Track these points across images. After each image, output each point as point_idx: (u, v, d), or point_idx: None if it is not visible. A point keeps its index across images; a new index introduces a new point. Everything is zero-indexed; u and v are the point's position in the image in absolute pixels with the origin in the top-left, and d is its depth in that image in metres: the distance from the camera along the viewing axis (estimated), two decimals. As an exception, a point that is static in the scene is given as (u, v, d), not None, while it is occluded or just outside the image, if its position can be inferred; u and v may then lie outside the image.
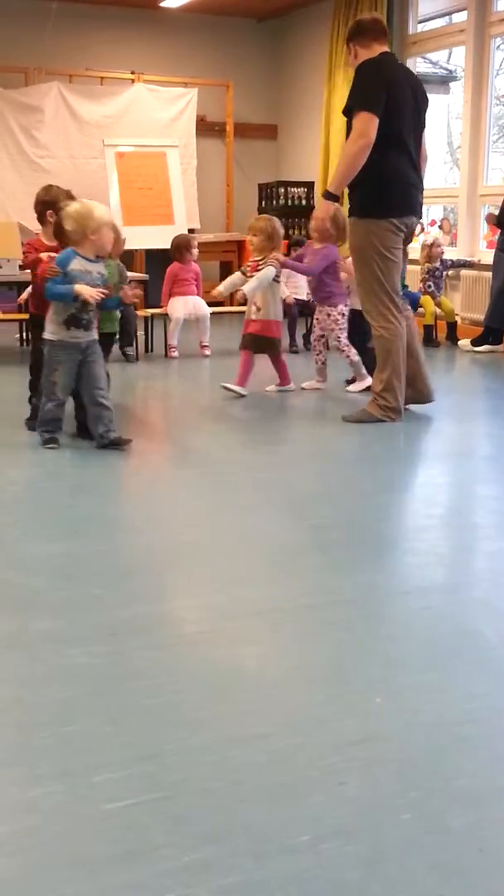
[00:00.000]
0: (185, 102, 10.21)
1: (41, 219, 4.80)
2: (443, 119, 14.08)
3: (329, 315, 5.95)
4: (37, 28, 9.54)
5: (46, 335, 4.47)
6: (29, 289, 5.55)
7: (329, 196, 5.05)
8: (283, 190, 10.52)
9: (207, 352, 7.45)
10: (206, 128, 10.63)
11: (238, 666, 2.36)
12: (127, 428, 4.91)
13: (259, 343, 5.76)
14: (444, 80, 13.78)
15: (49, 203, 4.74)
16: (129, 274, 7.62)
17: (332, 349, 6.11)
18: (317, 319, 6.11)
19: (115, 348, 7.39)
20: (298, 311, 7.60)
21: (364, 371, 5.90)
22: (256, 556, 3.18)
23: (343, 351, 5.96)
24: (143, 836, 1.66)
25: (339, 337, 5.93)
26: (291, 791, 1.81)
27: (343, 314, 5.95)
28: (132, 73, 10.18)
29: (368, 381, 5.66)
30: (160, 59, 10.48)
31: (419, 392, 5.26)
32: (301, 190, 10.56)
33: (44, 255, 4.62)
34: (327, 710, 2.12)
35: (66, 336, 4.42)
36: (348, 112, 4.93)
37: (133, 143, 9.63)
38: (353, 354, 5.94)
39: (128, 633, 2.51)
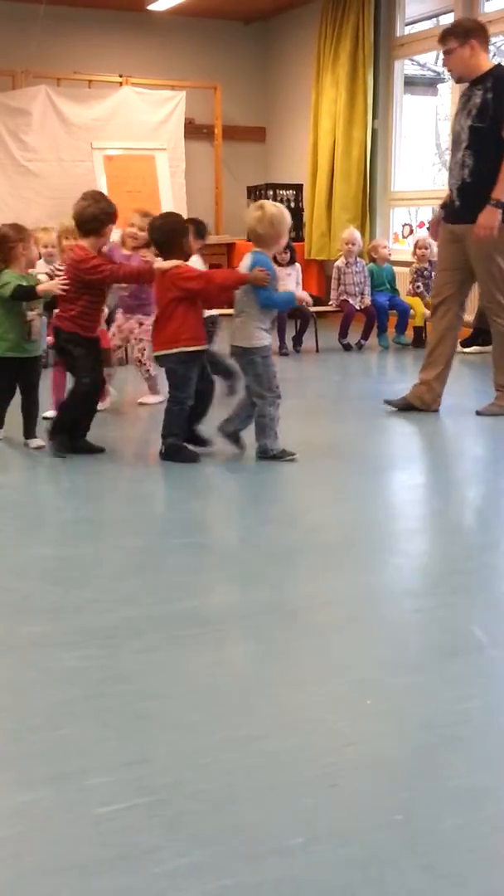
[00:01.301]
0: (173, 105, 10.20)
1: (100, 230, 4.36)
2: (431, 121, 14.13)
3: (141, 324, 5.42)
4: (24, 31, 9.52)
5: (261, 342, 4.23)
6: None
7: (499, 205, 4.89)
8: (271, 192, 10.50)
9: None
10: (195, 130, 10.62)
11: (228, 669, 2.35)
12: (117, 430, 4.90)
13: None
14: (432, 82, 13.83)
15: (112, 216, 4.41)
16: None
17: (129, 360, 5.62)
18: (119, 328, 5.55)
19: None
20: (287, 314, 7.60)
21: (158, 386, 5.44)
22: (249, 558, 3.17)
23: (144, 364, 5.47)
24: (136, 840, 1.66)
25: (144, 348, 5.37)
26: (284, 793, 1.80)
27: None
28: (120, 76, 10.17)
29: (161, 396, 5.15)
30: (148, 61, 10.47)
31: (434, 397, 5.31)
32: (290, 192, 10.56)
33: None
34: (319, 712, 2.12)
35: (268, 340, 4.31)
36: (497, 121, 4.84)
37: (121, 146, 9.61)
38: (153, 369, 5.37)
39: (119, 636, 2.50)
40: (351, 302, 8.12)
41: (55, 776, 1.85)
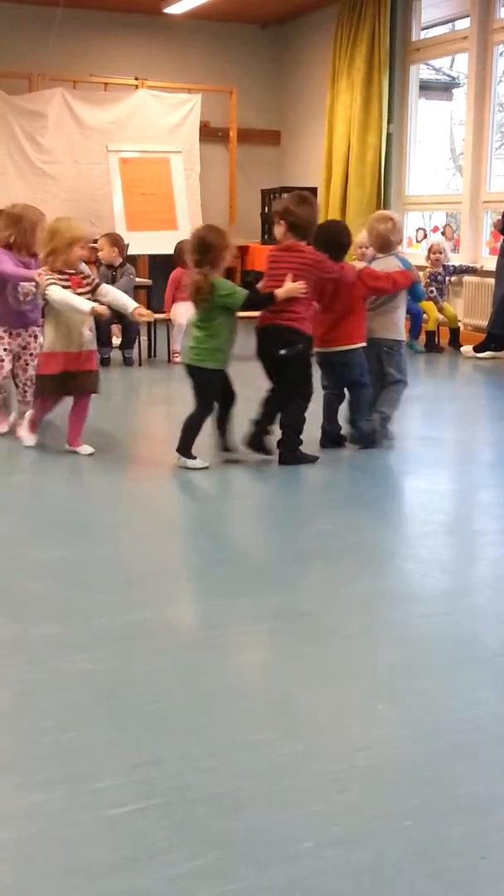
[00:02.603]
0: (188, 108, 10.23)
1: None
2: (446, 126, 14.11)
3: (36, 338, 4.82)
4: (41, 34, 9.56)
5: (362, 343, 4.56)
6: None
7: None
8: (286, 195, 10.52)
9: None
10: (210, 133, 10.64)
11: (240, 672, 2.36)
12: (131, 434, 4.91)
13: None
14: (447, 87, 13.82)
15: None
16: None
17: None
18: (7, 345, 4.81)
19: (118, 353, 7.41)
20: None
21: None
22: (258, 562, 3.18)
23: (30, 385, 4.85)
24: (145, 843, 1.66)
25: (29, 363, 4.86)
26: (293, 798, 1.81)
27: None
28: (136, 79, 10.19)
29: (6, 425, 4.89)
30: (164, 65, 10.49)
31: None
32: (304, 196, 10.56)
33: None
34: (329, 717, 2.12)
35: None
36: None
37: (136, 149, 9.64)
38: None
39: (130, 638, 2.51)
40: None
41: (65, 778, 1.86)
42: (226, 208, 10.91)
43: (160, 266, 8.73)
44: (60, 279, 4.28)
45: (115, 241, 7.51)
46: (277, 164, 11.50)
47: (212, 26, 10.64)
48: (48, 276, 4.27)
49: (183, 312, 7.44)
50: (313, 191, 10.48)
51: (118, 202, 9.29)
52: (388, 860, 1.63)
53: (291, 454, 4.34)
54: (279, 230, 4.39)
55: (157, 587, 2.93)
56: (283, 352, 4.28)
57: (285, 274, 4.26)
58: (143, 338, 7.57)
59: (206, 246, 4.14)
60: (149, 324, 7.73)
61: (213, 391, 4.26)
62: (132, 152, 9.57)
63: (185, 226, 9.49)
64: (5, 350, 4.79)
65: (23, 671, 2.33)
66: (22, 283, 4.64)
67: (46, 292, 4.24)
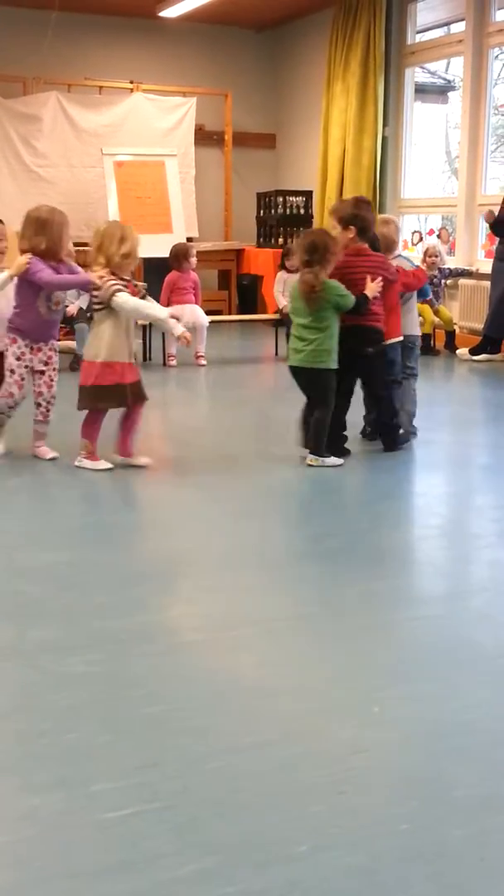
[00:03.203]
0: (183, 111, 10.23)
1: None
2: (441, 129, 14.13)
3: (56, 352, 4.57)
4: (35, 38, 9.56)
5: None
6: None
7: None
8: (281, 199, 10.52)
9: (203, 361, 7.46)
10: (205, 137, 10.65)
11: (237, 675, 2.36)
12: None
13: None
14: (443, 90, 13.84)
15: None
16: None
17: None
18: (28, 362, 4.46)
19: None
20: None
21: None
22: (256, 564, 3.18)
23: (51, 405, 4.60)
24: (143, 846, 1.66)
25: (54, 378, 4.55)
26: (291, 800, 1.81)
27: None
28: (131, 82, 10.20)
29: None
30: (159, 68, 10.50)
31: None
32: (299, 199, 10.56)
33: None
34: (326, 720, 2.12)
35: None
36: None
37: (131, 152, 9.64)
38: None
39: (128, 641, 2.51)
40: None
41: (63, 781, 1.86)
42: (221, 212, 10.92)
43: (155, 269, 8.73)
44: (122, 284, 4.17)
45: None
46: (273, 168, 11.50)
47: (207, 30, 10.65)
48: (113, 281, 4.14)
49: (180, 315, 7.45)
50: (308, 194, 10.51)
51: (113, 205, 9.29)
52: (385, 862, 1.63)
53: (394, 441, 4.68)
54: (347, 235, 4.48)
55: (155, 590, 2.93)
56: (370, 350, 4.49)
57: (363, 277, 4.42)
58: (138, 340, 7.56)
59: (315, 247, 4.28)
60: (143, 327, 7.72)
61: (333, 390, 4.41)
62: (127, 156, 9.58)
63: (181, 229, 9.50)
64: (26, 367, 4.43)
65: (20, 674, 2.33)
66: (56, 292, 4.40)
67: (115, 298, 4.11)
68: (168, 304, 7.48)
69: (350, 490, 4.14)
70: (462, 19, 8.67)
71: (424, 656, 2.46)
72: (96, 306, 4.22)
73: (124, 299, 4.15)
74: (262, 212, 10.75)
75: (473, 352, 7.83)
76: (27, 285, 4.30)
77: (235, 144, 10.94)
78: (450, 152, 13.86)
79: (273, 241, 10.26)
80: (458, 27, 8.86)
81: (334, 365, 4.34)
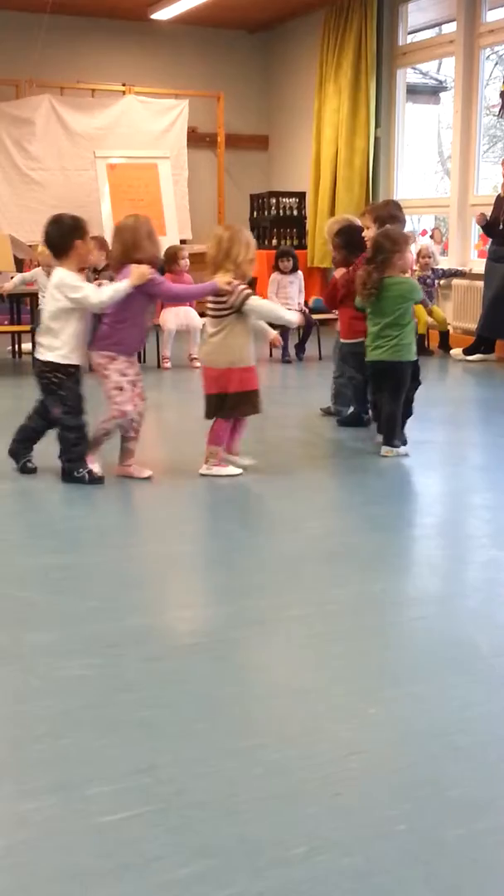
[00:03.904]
0: (176, 114, 10.24)
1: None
2: (433, 129, 14.15)
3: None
4: (28, 41, 9.56)
5: None
6: None
7: None
8: (274, 200, 10.54)
9: (197, 363, 7.46)
10: (198, 139, 10.66)
11: (232, 677, 2.36)
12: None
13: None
14: (434, 91, 13.85)
15: None
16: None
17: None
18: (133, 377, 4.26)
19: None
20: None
21: None
22: (251, 567, 3.18)
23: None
24: (138, 850, 1.66)
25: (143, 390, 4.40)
26: (286, 802, 1.81)
27: None
28: (123, 84, 10.20)
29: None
30: (151, 70, 10.51)
31: None
32: (292, 200, 10.58)
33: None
34: (321, 721, 2.12)
35: None
36: None
37: (124, 155, 9.65)
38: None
39: (123, 645, 2.51)
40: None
41: (58, 785, 1.85)
42: (214, 213, 10.92)
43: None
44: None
45: (102, 244, 7.52)
46: (266, 169, 11.52)
47: (199, 31, 10.66)
48: (243, 286, 4.13)
49: (172, 318, 7.46)
50: (301, 195, 10.52)
51: (106, 208, 9.29)
52: (381, 864, 1.63)
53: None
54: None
55: (150, 593, 2.92)
56: None
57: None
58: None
59: (380, 247, 4.50)
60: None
61: (407, 383, 4.60)
62: (120, 158, 9.58)
63: (174, 232, 9.50)
64: (129, 382, 4.20)
65: (15, 678, 2.33)
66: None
67: (249, 302, 4.10)
68: (162, 307, 7.49)
69: (345, 491, 4.14)
70: (453, 20, 8.69)
71: (420, 657, 2.46)
72: (220, 312, 4.15)
73: (259, 302, 4.22)
74: (255, 213, 10.76)
75: (467, 352, 7.84)
76: (138, 297, 4.10)
77: (228, 146, 10.95)
78: (442, 153, 13.88)
79: (266, 242, 10.27)
80: (450, 28, 8.88)
81: (414, 356, 4.59)
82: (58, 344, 4.03)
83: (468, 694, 2.25)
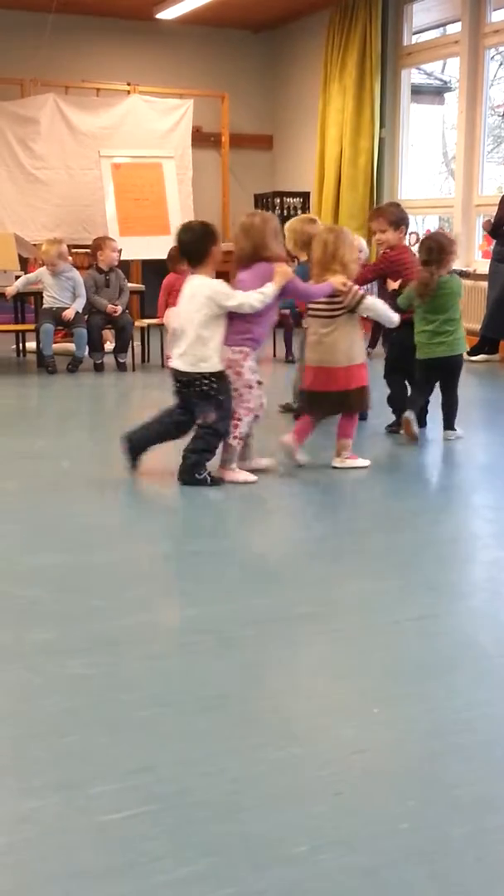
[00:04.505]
0: (180, 113, 10.23)
1: None
2: (438, 129, 14.14)
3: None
4: (33, 40, 9.57)
5: None
6: None
7: None
8: (278, 200, 10.54)
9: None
10: (202, 138, 10.65)
11: (234, 676, 2.35)
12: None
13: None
14: (439, 91, 13.84)
15: None
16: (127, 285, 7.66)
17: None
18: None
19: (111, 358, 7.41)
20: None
21: None
22: (254, 565, 3.17)
23: None
24: (141, 848, 1.66)
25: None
26: (289, 801, 1.80)
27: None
28: (128, 84, 10.20)
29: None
30: (156, 70, 10.50)
31: None
32: (297, 200, 10.58)
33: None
34: (325, 720, 2.12)
35: None
36: None
37: (129, 154, 9.65)
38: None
39: (125, 643, 2.50)
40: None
41: (61, 784, 1.85)
42: (219, 213, 10.91)
43: (153, 271, 8.73)
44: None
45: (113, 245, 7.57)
46: (270, 169, 11.51)
47: (204, 31, 10.66)
48: (357, 287, 4.29)
49: (176, 317, 7.45)
50: (306, 195, 10.52)
51: (111, 207, 9.29)
52: (384, 863, 1.62)
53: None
54: (399, 235, 5.16)
55: (151, 591, 2.92)
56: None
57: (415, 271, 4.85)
58: (136, 343, 7.57)
59: (441, 248, 4.67)
60: (142, 329, 7.73)
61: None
62: (124, 157, 9.58)
63: (178, 231, 9.49)
64: (257, 380, 4.21)
65: (18, 677, 2.32)
66: None
67: (364, 301, 4.25)
68: (166, 306, 7.48)
69: (348, 491, 4.13)
70: (458, 20, 8.68)
71: (423, 656, 2.46)
72: (334, 312, 4.25)
73: (373, 301, 4.37)
74: (259, 213, 10.74)
75: (471, 352, 7.82)
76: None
77: (233, 146, 10.95)
78: (446, 153, 13.87)
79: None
80: (454, 28, 8.87)
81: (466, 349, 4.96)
82: (209, 352, 4.02)
83: (472, 693, 2.25)
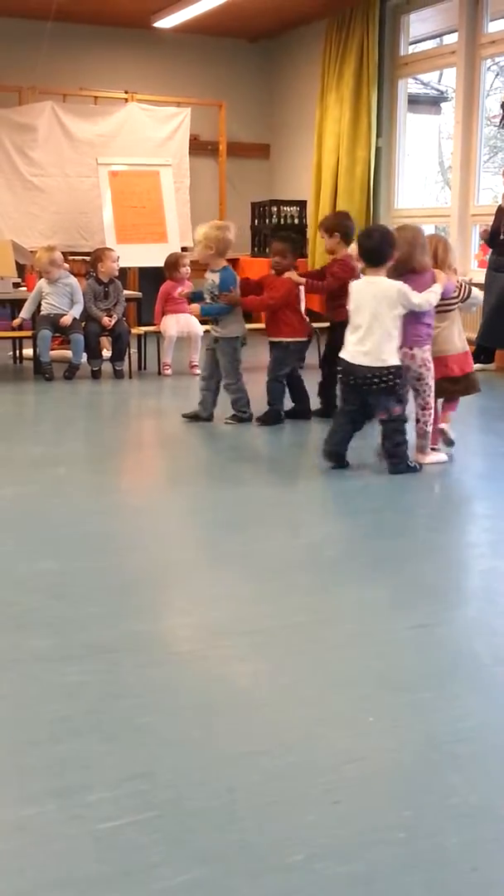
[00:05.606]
0: (178, 122, 10.25)
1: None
2: (434, 139, 14.19)
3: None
4: (31, 48, 9.58)
5: None
6: None
7: None
8: (275, 209, 10.56)
9: (197, 370, 7.46)
10: (199, 147, 10.67)
11: (231, 684, 2.35)
12: (122, 444, 4.90)
13: None
14: (436, 101, 13.90)
15: None
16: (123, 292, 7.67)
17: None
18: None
19: (108, 364, 7.42)
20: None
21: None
22: (250, 573, 3.18)
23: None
24: (137, 856, 1.66)
25: None
26: (285, 810, 1.80)
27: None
28: (126, 92, 10.22)
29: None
30: (153, 78, 10.53)
31: None
32: (293, 209, 10.60)
33: None
34: (321, 729, 2.12)
35: None
36: None
37: (126, 162, 9.66)
38: None
39: (121, 651, 2.50)
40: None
41: (57, 791, 1.85)
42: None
43: (150, 279, 8.75)
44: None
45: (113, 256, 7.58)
46: (267, 178, 11.54)
47: (201, 40, 10.69)
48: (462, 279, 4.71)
49: (173, 325, 7.46)
50: (302, 204, 10.54)
51: (108, 215, 9.30)
52: (380, 872, 1.62)
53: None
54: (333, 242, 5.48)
55: (149, 599, 2.92)
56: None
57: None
58: (133, 350, 7.57)
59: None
60: (139, 336, 7.74)
61: None
62: (122, 165, 9.59)
63: (175, 239, 9.51)
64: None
65: (13, 684, 2.32)
66: None
67: (474, 292, 4.71)
68: (163, 314, 7.50)
69: (343, 499, 4.14)
70: (455, 31, 8.71)
71: (419, 665, 2.46)
72: (451, 306, 4.60)
73: (477, 292, 4.81)
74: (256, 221, 10.77)
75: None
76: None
77: (230, 154, 10.97)
78: (443, 163, 13.92)
79: (267, 250, 10.29)
80: (451, 38, 8.91)
81: None
82: (394, 348, 4.33)
83: (468, 702, 2.25)
